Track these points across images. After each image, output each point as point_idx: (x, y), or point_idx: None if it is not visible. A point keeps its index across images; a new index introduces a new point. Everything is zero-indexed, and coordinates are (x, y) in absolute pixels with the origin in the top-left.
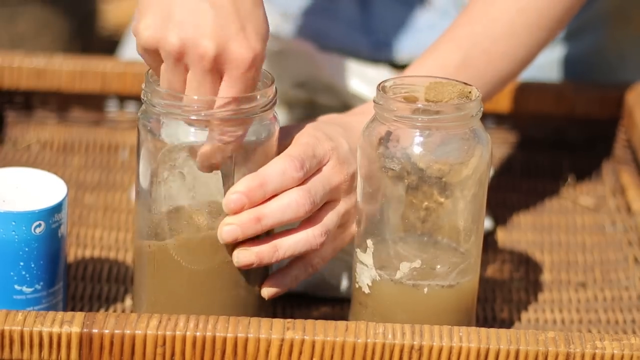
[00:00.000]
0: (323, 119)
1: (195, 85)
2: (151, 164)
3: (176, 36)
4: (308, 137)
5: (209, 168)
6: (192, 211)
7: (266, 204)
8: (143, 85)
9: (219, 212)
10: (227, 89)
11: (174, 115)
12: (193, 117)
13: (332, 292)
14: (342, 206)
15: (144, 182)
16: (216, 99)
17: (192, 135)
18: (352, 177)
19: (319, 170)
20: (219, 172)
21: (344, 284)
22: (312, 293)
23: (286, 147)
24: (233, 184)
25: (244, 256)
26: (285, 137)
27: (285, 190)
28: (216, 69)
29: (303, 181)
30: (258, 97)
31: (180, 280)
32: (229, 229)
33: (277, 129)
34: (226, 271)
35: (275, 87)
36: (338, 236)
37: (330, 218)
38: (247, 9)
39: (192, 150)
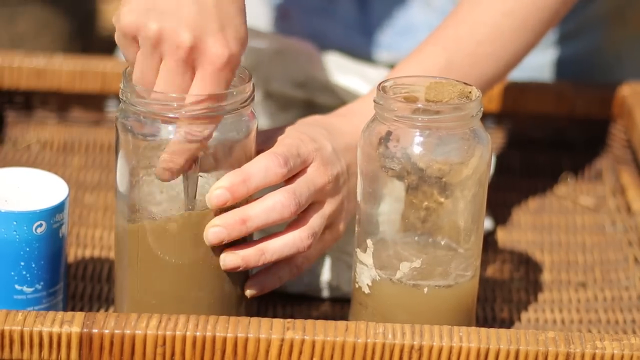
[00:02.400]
0: (306, 120)
1: (166, 75)
2: (130, 163)
3: (156, 23)
4: (291, 138)
5: (171, 172)
6: (172, 211)
7: (251, 206)
8: (121, 85)
9: (199, 210)
10: (198, 86)
11: (153, 113)
12: (171, 115)
13: (332, 292)
14: (327, 208)
15: (123, 181)
16: (192, 95)
17: (171, 133)
18: (337, 179)
19: (303, 170)
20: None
21: (344, 284)
22: (312, 293)
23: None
24: (196, 189)
25: (230, 260)
26: (267, 140)
27: (269, 187)
28: (190, 62)
29: (287, 182)
30: (235, 93)
31: (163, 278)
32: (214, 230)
33: (255, 126)
34: (208, 269)
35: (253, 84)
36: (324, 237)
37: (316, 220)
38: (229, 14)
39: None
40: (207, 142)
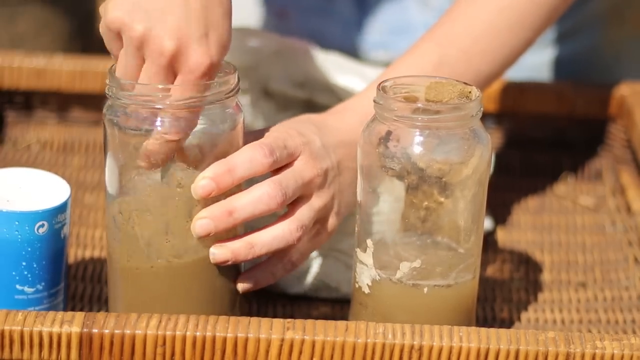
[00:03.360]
0: (297, 118)
1: (148, 76)
2: (118, 160)
3: (141, 25)
4: (278, 132)
5: (155, 163)
6: (161, 206)
7: (237, 197)
8: (107, 81)
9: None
10: (178, 90)
11: (138, 104)
12: (157, 106)
13: (331, 293)
14: (316, 202)
15: (113, 180)
16: (176, 87)
17: (158, 125)
18: (326, 173)
19: (290, 163)
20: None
21: (344, 284)
22: (312, 294)
23: None
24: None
25: (220, 253)
26: (257, 139)
27: (255, 176)
28: (172, 67)
29: (274, 174)
30: (218, 84)
31: (156, 278)
32: (201, 222)
33: (241, 118)
34: (200, 266)
35: (238, 76)
36: (316, 232)
37: (304, 213)
38: (215, 18)
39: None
40: (189, 133)
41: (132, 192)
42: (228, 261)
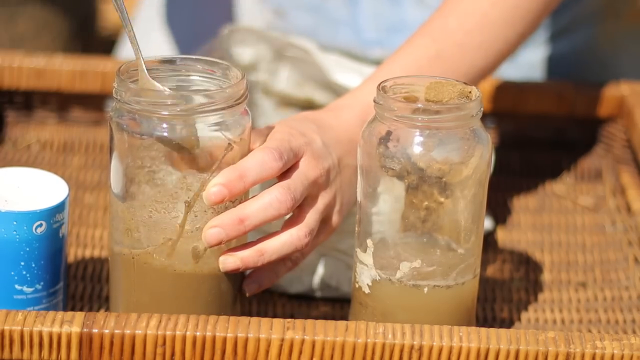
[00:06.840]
0: (295, 117)
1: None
2: (124, 162)
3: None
4: (281, 133)
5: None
6: (168, 211)
7: (247, 204)
8: (115, 83)
9: (196, 210)
10: None
11: (148, 111)
12: (165, 113)
13: (332, 292)
14: (321, 202)
15: (118, 182)
16: (184, 93)
17: (165, 130)
18: (328, 172)
19: (295, 165)
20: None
21: (344, 284)
22: (312, 294)
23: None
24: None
25: (230, 262)
26: (258, 139)
27: (265, 181)
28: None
29: (281, 177)
30: (228, 90)
31: (159, 277)
32: (213, 231)
33: (249, 123)
34: (206, 268)
35: (246, 82)
36: (318, 231)
37: (312, 217)
38: None
39: (167, 146)
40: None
41: (140, 198)
42: (238, 269)
